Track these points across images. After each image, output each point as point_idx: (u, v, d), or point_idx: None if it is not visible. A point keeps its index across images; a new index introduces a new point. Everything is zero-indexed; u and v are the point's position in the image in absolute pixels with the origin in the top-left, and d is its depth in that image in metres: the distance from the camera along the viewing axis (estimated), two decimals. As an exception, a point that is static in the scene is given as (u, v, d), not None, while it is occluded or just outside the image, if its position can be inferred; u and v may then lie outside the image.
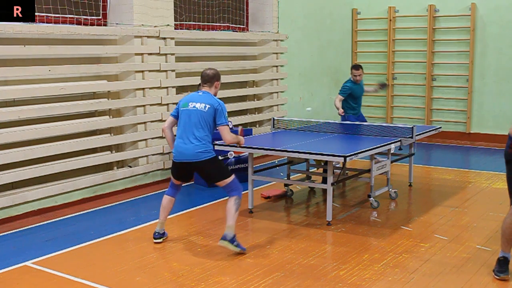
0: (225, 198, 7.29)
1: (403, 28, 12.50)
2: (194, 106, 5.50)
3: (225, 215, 5.47)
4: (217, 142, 6.35)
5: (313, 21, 11.60)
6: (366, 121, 8.61)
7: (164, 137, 8.16)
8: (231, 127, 6.15)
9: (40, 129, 6.79)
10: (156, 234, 5.76)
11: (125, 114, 7.92)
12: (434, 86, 12.21)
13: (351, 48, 12.97)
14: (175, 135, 5.67)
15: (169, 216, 6.36)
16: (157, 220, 5.96)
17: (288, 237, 5.96)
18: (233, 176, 5.55)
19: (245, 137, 6.91)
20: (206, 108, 5.46)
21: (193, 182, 8.15)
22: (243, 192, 5.59)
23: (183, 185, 5.93)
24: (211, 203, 7.25)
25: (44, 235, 6.10)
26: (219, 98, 5.66)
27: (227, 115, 5.57)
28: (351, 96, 8.57)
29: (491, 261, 5.10)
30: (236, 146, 6.22)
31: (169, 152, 8.34)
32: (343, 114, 8.54)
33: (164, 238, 5.80)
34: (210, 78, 5.65)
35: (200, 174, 5.71)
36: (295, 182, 7.43)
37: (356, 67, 8.56)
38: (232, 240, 5.36)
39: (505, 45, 11.39)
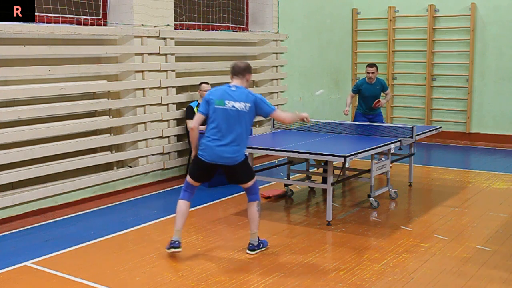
0: (224, 198, 7.35)
1: (403, 28, 12.49)
2: (234, 106, 5.14)
3: (248, 220, 5.44)
4: None
5: (313, 21, 11.60)
6: (383, 122, 8.60)
7: (164, 136, 8.25)
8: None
9: (40, 129, 6.78)
10: (177, 243, 5.28)
11: (125, 114, 7.92)
12: (434, 86, 12.20)
13: (351, 48, 12.96)
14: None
15: (169, 216, 6.38)
16: (157, 220, 5.96)
17: (288, 237, 5.95)
18: (255, 177, 5.44)
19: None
20: (247, 108, 5.17)
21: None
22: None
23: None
24: (211, 203, 7.24)
25: (44, 235, 6.10)
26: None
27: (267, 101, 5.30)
28: (361, 94, 8.68)
29: (491, 261, 5.10)
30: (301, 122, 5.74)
31: (169, 152, 8.33)
32: (346, 114, 8.59)
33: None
34: (241, 70, 5.30)
35: (228, 175, 5.36)
36: (295, 182, 7.42)
37: (370, 65, 8.64)
38: (258, 245, 5.41)
39: (505, 45, 11.39)
